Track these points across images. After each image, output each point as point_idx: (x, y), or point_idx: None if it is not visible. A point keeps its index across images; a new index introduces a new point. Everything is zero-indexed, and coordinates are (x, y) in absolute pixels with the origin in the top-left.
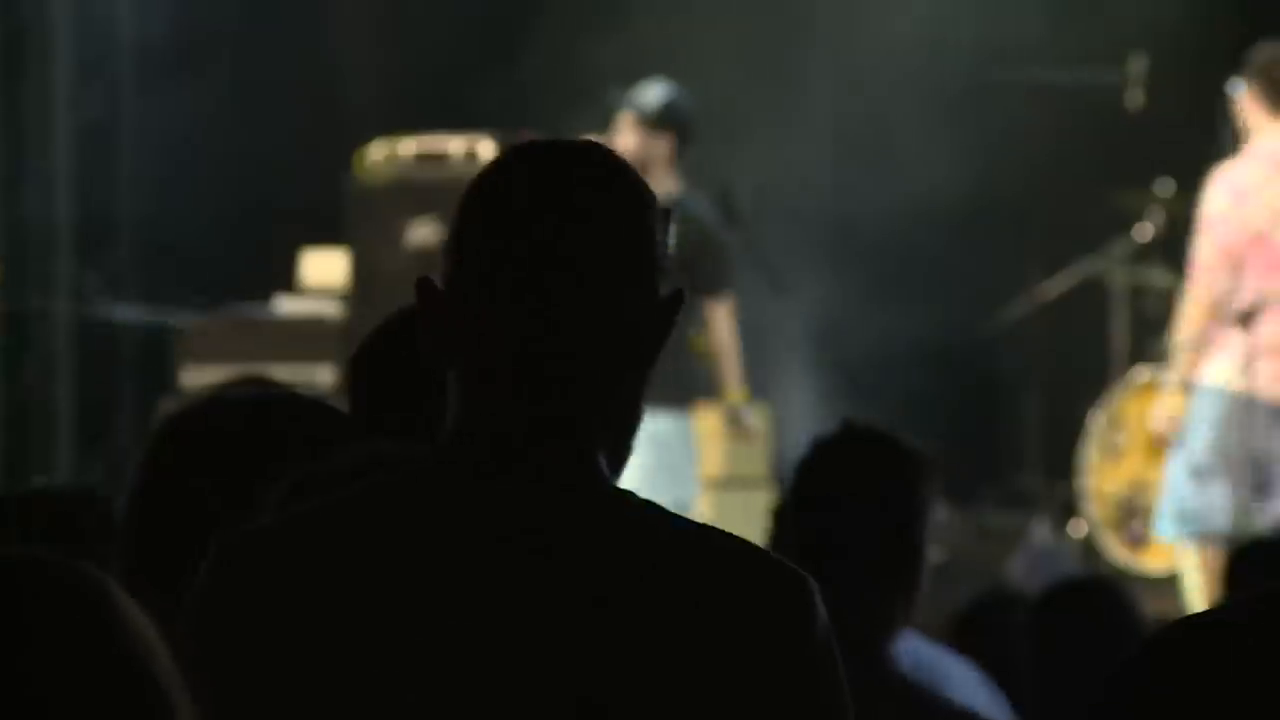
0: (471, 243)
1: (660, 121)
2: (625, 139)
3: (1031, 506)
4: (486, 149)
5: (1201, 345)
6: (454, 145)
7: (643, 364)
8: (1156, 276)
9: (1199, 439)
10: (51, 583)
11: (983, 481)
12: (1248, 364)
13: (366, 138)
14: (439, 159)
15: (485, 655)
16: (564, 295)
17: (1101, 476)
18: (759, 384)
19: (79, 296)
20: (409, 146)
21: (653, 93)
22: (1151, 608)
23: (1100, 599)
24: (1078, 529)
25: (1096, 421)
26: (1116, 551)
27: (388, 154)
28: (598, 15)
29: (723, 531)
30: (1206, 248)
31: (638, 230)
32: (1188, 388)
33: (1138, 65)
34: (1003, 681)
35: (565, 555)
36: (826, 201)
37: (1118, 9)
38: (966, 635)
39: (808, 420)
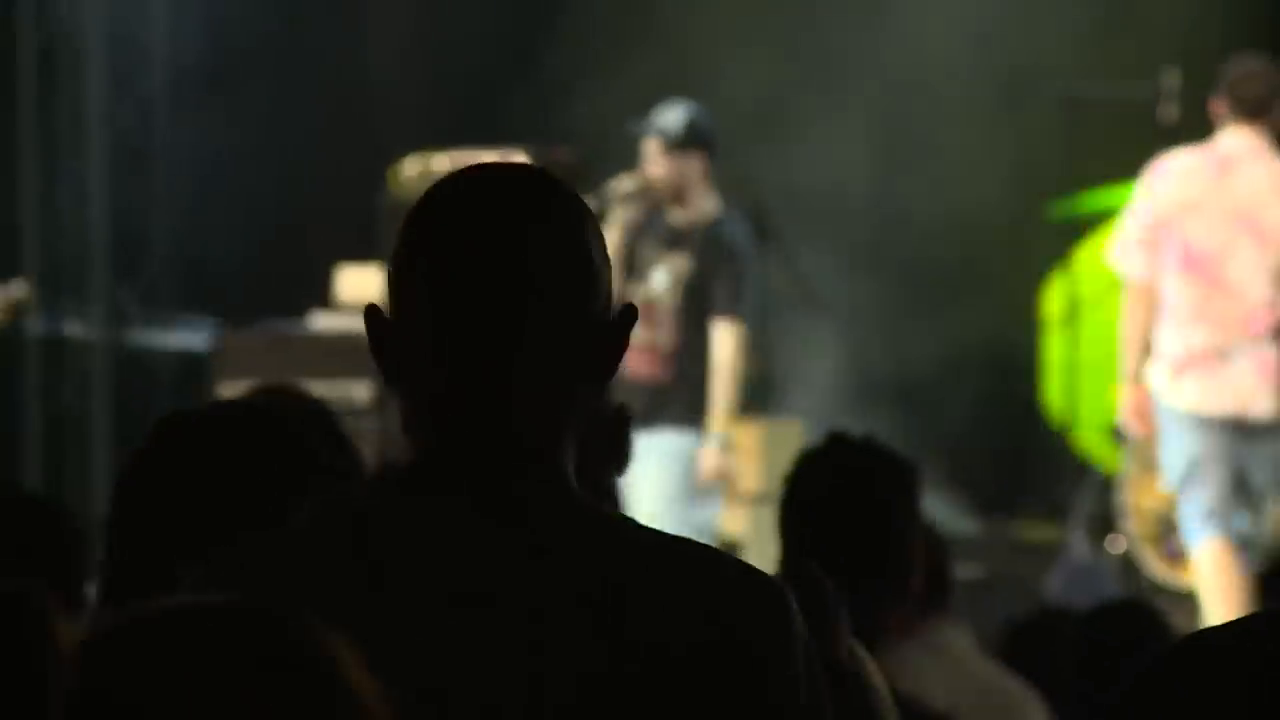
0: (419, 271)
1: (687, 142)
2: (656, 166)
3: (1069, 521)
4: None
5: (1142, 334)
6: (487, 160)
7: (600, 379)
8: None
9: (1167, 459)
10: None
11: (1020, 495)
12: (1175, 375)
13: (400, 153)
14: None
15: (468, 674)
16: (517, 318)
17: (1140, 491)
18: (792, 398)
19: (114, 313)
20: (442, 161)
21: (674, 115)
22: (1190, 623)
23: (1143, 621)
24: (1116, 544)
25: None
26: (1155, 567)
27: (421, 169)
28: (632, 27)
29: (697, 542)
30: (1127, 230)
31: (580, 247)
32: (1137, 378)
33: (1171, 80)
34: (1050, 698)
35: (543, 573)
36: (865, 211)
37: (1153, 24)
38: (1015, 651)
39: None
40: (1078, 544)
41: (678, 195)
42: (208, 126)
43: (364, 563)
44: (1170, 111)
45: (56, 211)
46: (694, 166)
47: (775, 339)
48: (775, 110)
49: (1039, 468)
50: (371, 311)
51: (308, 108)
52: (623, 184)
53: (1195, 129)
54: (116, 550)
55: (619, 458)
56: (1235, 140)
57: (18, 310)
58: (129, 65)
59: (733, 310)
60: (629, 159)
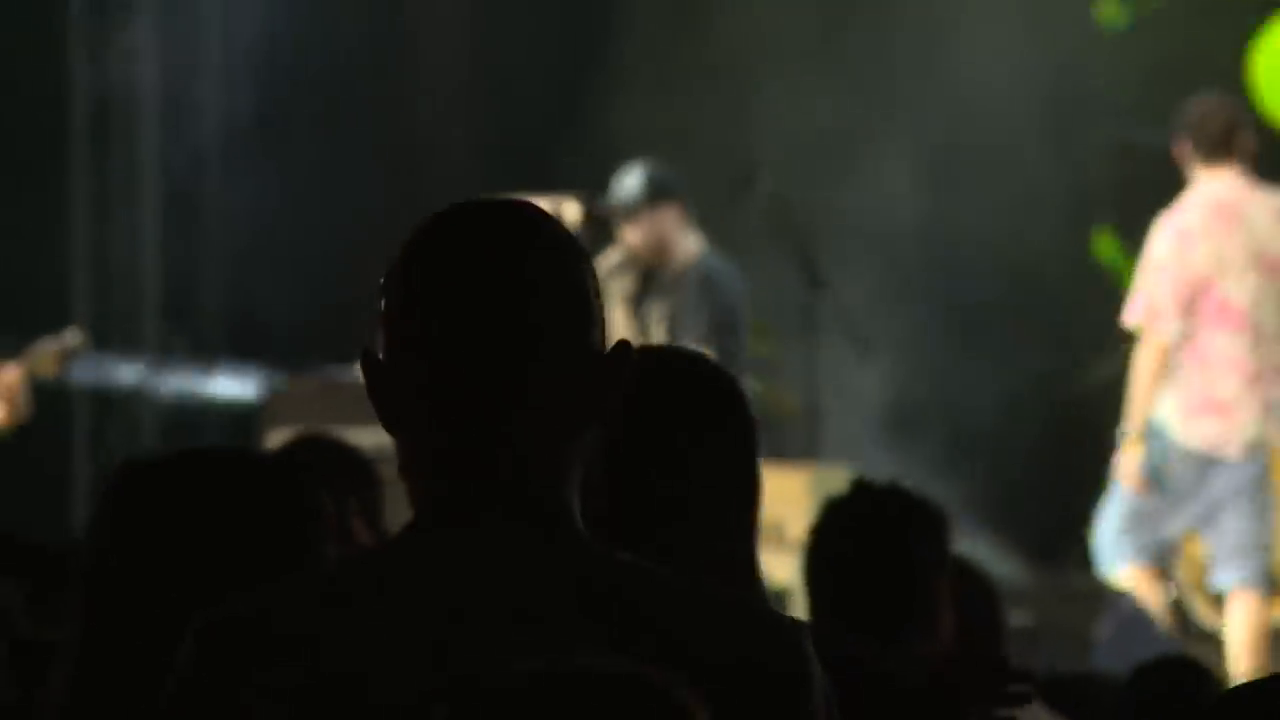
0: (412, 314)
1: (653, 201)
2: (631, 234)
3: None
4: (571, 210)
5: (1156, 393)
6: (540, 203)
7: (600, 417)
8: None
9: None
10: None
11: (1070, 541)
12: (1188, 416)
13: (450, 201)
14: None
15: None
16: (518, 362)
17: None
18: (839, 440)
19: (164, 362)
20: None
21: (631, 181)
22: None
23: (1189, 678)
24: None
25: None
26: (1204, 613)
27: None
28: (684, 72)
29: (712, 584)
30: (1158, 293)
31: (576, 283)
32: (1146, 436)
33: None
34: None
35: (552, 619)
36: (917, 249)
37: (1205, 72)
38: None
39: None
40: (1128, 591)
41: (660, 253)
42: (259, 177)
43: (382, 615)
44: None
45: (108, 261)
46: (667, 219)
47: (823, 380)
48: (828, 148)
49: (1090, 513)
50: (366, 356)
51: (358, 158)
52: (609, 258)
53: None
54: (92, 601)
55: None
56: (1225, 184)
57: (69, 358)
58: (181, 116)
59: (718, 340)
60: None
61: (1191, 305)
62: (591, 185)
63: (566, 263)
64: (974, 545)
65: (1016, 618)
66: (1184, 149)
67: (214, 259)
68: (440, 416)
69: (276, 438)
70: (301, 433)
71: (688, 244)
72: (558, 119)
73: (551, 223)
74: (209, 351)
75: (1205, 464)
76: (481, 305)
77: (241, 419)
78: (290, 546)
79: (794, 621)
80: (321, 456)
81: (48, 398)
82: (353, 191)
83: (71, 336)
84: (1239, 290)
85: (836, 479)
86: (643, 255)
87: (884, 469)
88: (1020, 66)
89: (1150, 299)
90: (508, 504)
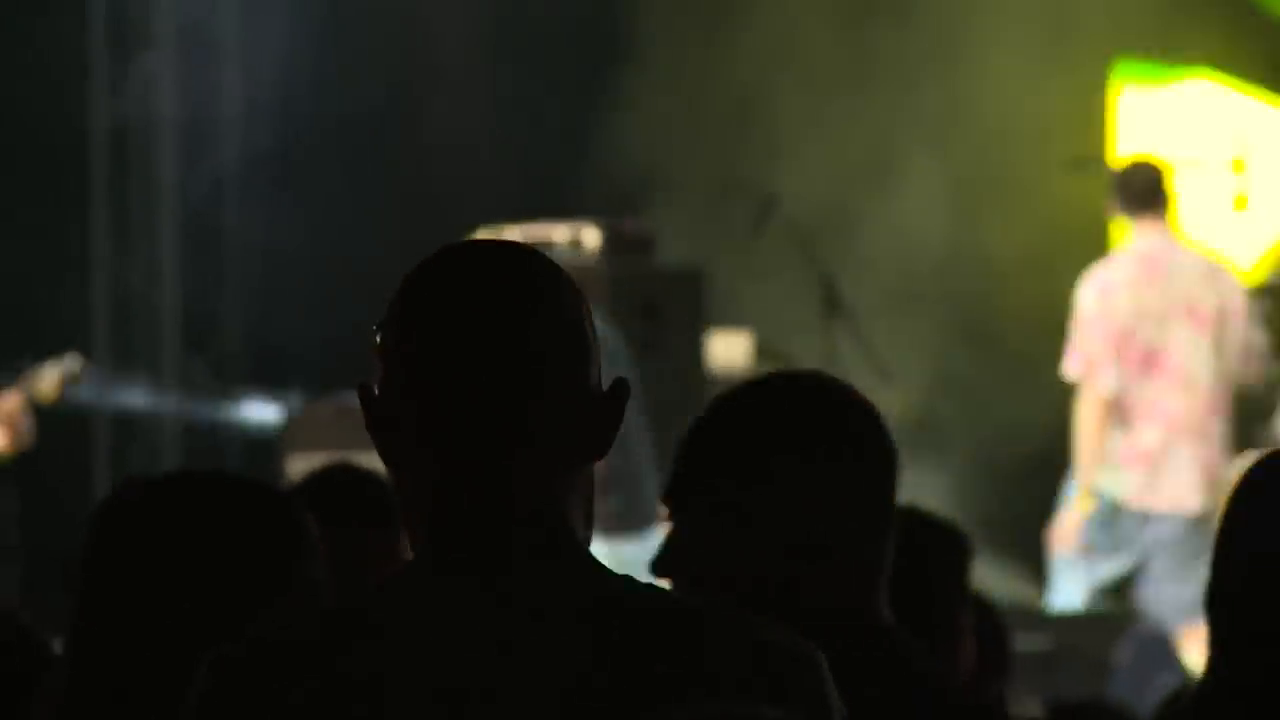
0: (411, 356)
1: None
2: None
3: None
4: (591, 236)
5: (1101, 447)
6: (558, 233)
7: (600, 455)
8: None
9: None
10: None
11: None
12: (1116, 468)
13: (469, 227)
14: (543, 246)
15: None
16: (517, 403)
17: None
18: None
19: (184, 389)
20: (513, 234)
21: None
22: None
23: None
24: None
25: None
26: None
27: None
28: (702, 97)
29: (726, 608)
30: (1092, 346)
31: (573, 325)
32: (1093, 494)
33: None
34: None
35: (577, 649)
36: (935, 277)
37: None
38: None
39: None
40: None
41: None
42: (278, 206)
43: (393, 652)
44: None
45: (128, 287)
46: None
47: None
48: (849, 176)
49: None
50: (365, 392)
51: (375, 186)
52: None
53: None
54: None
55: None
56: (1149, 239)
57: (70, 383)
58: (200, 146)
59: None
60: (700, 230)
61: (1120, 356)
62: (608, 213)
63: (563, 301)
64: (993, 569)
65: (1034, 642)
66: (1113, 207)
67: (233, 288)
68: (442, 457)
69: (296, 464)
70: (330, 462)
71: None
72: (574, 148)
73: (546, 262)
74: (228, 378)
75: (1138, 517)
76: (480, 345)
77: (261, 445)
78: (277, 571)
79: (810, 646)
80: (350, 486)
81: (68, 425)
82: (370, 219)
83: (71, 362)
84: (1162, 339)
85: None
86: None
87: (904, 494)
88: (1045, 95)
89: (1086, 352)
90: (513, 545)
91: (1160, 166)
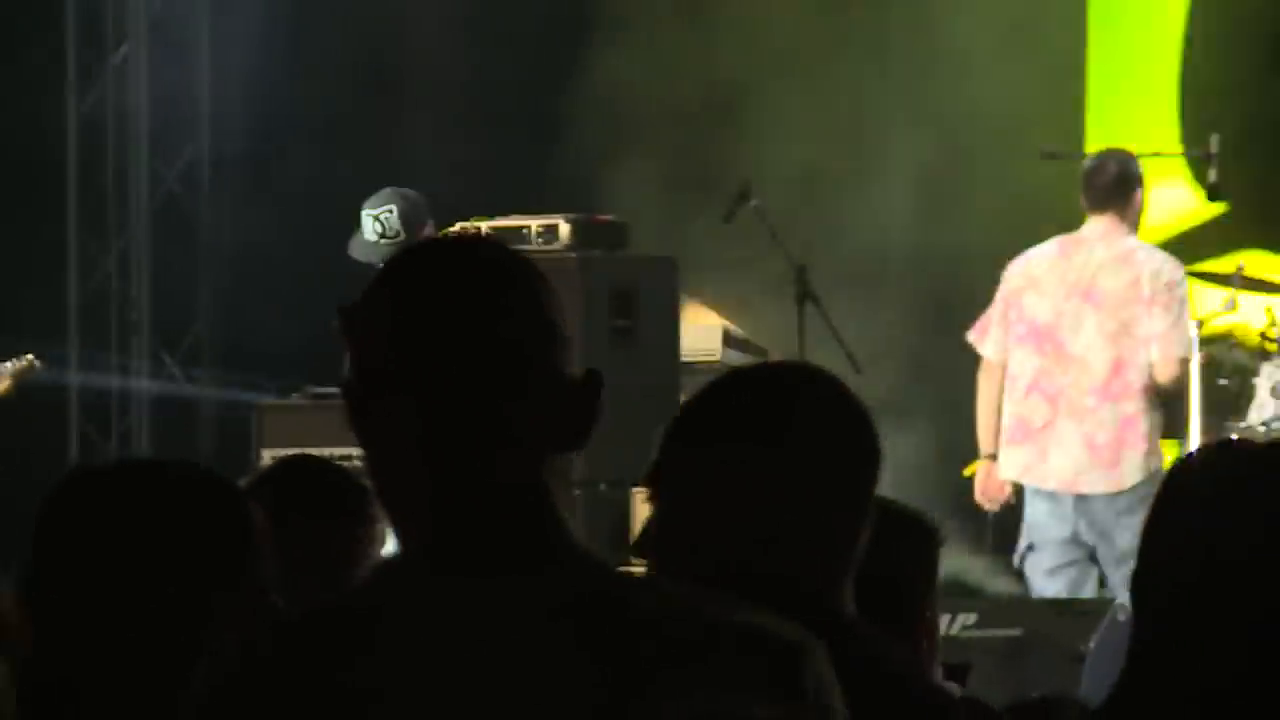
0: (389, 356)
1: (412, 228)
2: None
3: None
4: (563, 228)
5: (993, 411)
6: (531, 224)
7: (577, 446)
8: (1224, 352)
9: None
10: None
11: None
12: (1007, 447)
13: (442, 223)
14: (516, 238)
15: None
16: (496, 396)
17: None
18: None
19: (156, 381)
20: (486, 227)
21: (384, 223)
22: None
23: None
24: None
25: None
26: None
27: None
28: (673, 91)
29: (730, 602)
30: (991, 313)
31: (549, 319)
32: (992, 457)
33: (1215, 146)
34: None
35: (572, 646)
36: (912, 271)
37: (1207, 88)
38: None
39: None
40: (1123, 606)
41: None
42: (251, 197)
43: (389, 646)
44: (1213, 176)
45: (101, 279)
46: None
47: None
48: (822, 165)
49: None
50: (348, 391)
51: (349, 177)
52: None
53: (1235, 191)
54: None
55: None
56: (1090, 227)
57: (24, 378)
58: (172, 139)
59: None
60: (668, 225)
61: (1004, 320)
62: (579, 206)
63: (536, 295)
64: (962, 556)
65: (1006, 629)
66: (1082, 202)
67: (205, 280)
68: (427, 458)
69: (270, 454)
70: (290, 456)
71: None
72: (546, 140)
73: (516, 257)
74: (200, 371)
75: (1033, 496)
76: (456, 342)
77: (233, 438)
78: (223, 561)
79: (810, 638)
80: (311, 480)
81: (41, 415)
82: (343, 212)
83: (24, 359)
84: (1052, 317)
85: None
86: None
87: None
88: (1017, 83)
89: (985, 319)
90: (499, 544)
91: (1122, 163)
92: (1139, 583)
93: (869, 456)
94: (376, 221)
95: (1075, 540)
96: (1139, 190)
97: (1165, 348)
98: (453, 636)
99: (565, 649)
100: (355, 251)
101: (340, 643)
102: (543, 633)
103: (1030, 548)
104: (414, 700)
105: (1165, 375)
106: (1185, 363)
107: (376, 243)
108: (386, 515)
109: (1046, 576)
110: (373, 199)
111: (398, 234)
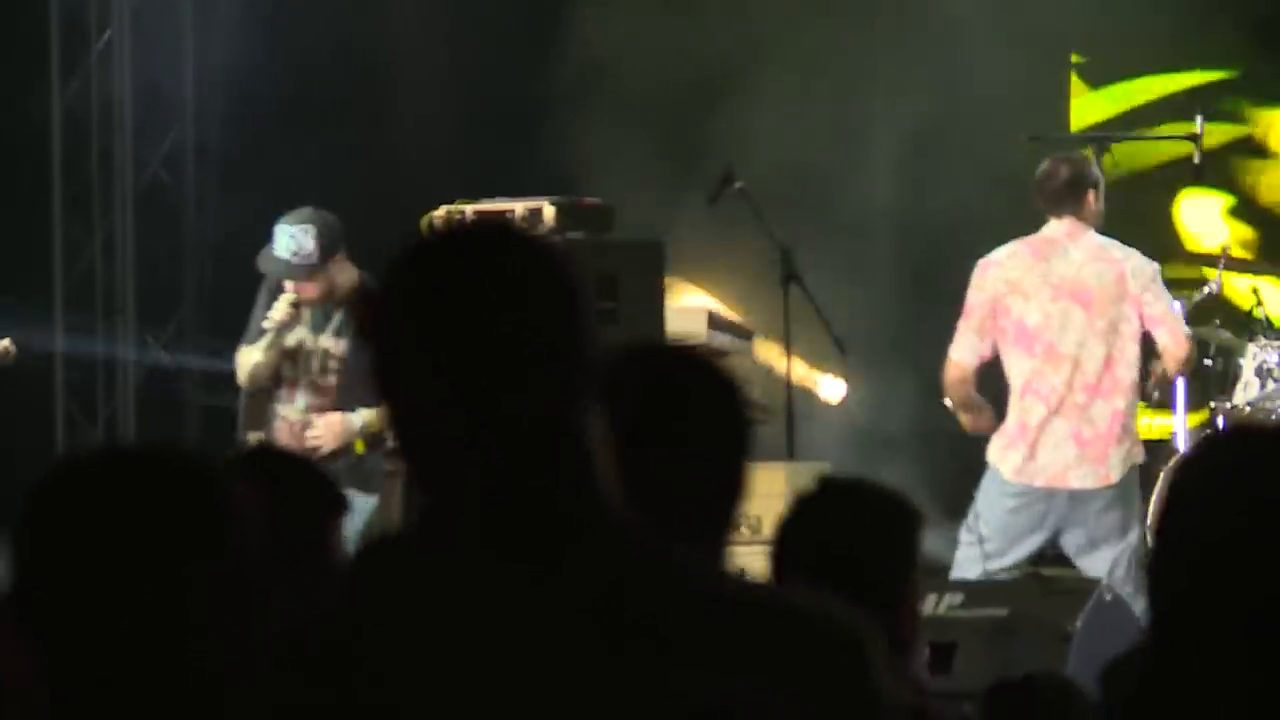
0: (414, 340)
1: (326, 254)
2: (305, 290)
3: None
4: (548, 212)
5: (964, 406)
6: (515, 209)
7: (596, 417)
8: (1210, 332)
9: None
10: None
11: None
12: (1003, 449)
13: (429, 205)
14: (500, 221)
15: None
16: (521, 371)
17: None
18: (818, 443)
19: (142, 360)
20: (471, 211)
21: (301, 243)
22: None
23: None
24: None
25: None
26: None
27: (450, 217)
28: (663, 80)
29: (776, 589)
30: (963, 317)
31: (569, 292)
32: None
33: (1199, 127)
34: None
35: (589, 627)
36: (891, 244)
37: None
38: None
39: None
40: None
41: (328, 298)
42: (234, 181)
43: (397, 634)
44: (1198, 155)
45: (86, 264)
46: (338, 270)
47: (799, 383)
48: (807, 147)
49: None
50: (382, 377)
51: (337, 159)
52: (277, 313)
53: (1215, 173)
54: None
55: None
56: (1052, 228)
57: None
58: (157, 120)
59: None
60: (654, 208)
61: (984, 326)
62: (566, 189)
63: (556, 270)
64: (946, 534)
65: (992, 609)
66: (1036, 204)
67: (190, 265)
68: (457, 436)
69: (256, 434)
70: (262, 442)
71: (345, 279)
72: (535, 123)
73: (533, 234)
74: (187, 349)
75: (1023, 495)
76: (481, 320)
77: (219, 416)
78: (203, 544)
79: (855, 627)
80: (284, 468)
81: (27, 399)
82: (328, 193)
83: (1, 343)
84: (1038, 316)
85: (813, 476)
86: (314, 304)
87: (859, 465)
88: (1005, 63)
89: (962, 323)
90: (532, 521)
91: (1074, 167)
92: (1155, 568)
93: (735, 436)
94: (291, 239)
95: (1030, 532)
96: (1092, 192)
97: (1174, 328)
98: (513, 625)
99: (589, 638)
100: (263, 265)
101: (370, 611)
102: (568, 623)
103: (981, 540)
104: (439, 691)
105: (1181, 352)
106: (1193, 338)
107: (287, 261)
108: (419, 489)
109: (980, 559)
110: (291, 214)
111: (310, 255)
